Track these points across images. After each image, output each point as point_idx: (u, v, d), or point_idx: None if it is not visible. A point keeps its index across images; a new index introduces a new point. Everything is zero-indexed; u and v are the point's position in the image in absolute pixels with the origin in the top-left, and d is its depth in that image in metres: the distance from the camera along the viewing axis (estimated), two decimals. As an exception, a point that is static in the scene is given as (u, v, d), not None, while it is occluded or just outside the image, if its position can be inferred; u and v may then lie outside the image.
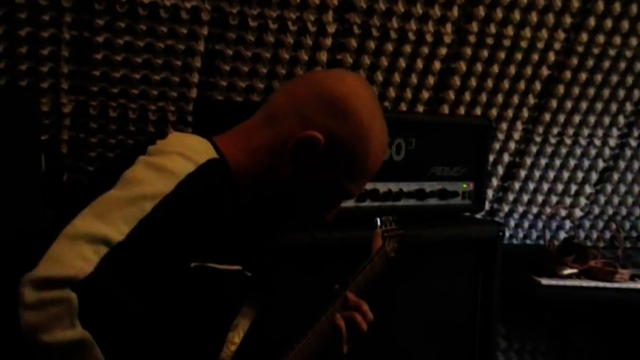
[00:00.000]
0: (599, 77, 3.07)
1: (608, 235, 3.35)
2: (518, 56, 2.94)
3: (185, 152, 1.31)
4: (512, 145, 3.13)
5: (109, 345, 1.10)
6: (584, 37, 2.96)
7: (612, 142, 3.23)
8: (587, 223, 3.34)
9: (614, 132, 3.21)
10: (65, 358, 1.08)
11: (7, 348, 1.10)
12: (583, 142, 3.20)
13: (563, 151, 3.19)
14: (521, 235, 3.30)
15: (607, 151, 3.24)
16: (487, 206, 3.10)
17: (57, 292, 1.08)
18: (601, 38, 2.98)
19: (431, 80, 2.88)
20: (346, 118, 1.41)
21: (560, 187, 3.25)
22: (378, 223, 1.83)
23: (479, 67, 2.92)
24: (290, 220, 1.48)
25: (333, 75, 1.51)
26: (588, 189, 3.28)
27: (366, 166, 1.45)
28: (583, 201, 3.29)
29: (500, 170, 3.17)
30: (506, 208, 3.24)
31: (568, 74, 3.03)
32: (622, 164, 3.27)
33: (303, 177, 1.41)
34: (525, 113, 3.08)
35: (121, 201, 1.19)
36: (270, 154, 1.41)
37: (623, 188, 3.31)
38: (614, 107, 3.15)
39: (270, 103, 1.48)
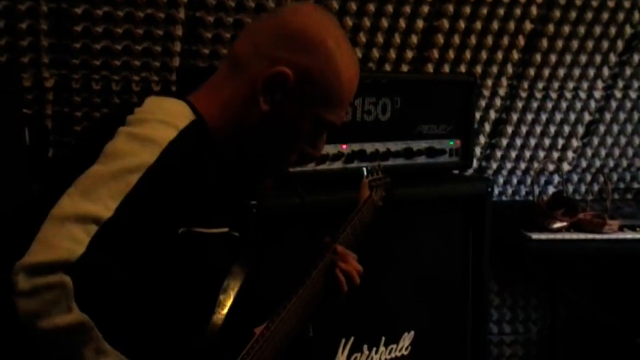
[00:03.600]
0: (582, 29, 3.06)
1: (596, 187, 3.36)
2: (501, 11, 2.93)
3: (165, 118, 1.30)
4: (497, 102, 3.13)
5: (108, 324, 1.11)
6: (566, -11, 2.96)
7: (597, 94, 3.23)
8: (575, 177, 3.35)
9: (599, 84, 3.21)
10: (65, 341, 1.09)
11: (8, 335, 1.10)
12: (568, 95, 3.20)
13: (549, 105, 3.20)
14: (510, 191, 3.31)
15: (593, 104, 3.24)
16: (475, 164, 3.11)
17: (51, 277, 1.08)
18: (583, -11, 2.97)
19: (414, 39, 2.87)
20: (310, 47, 1.39)
21: (547, 142, 3.25)
22: (365, 172, 1.83)
23: (461, 24, 2.91)
24: (275, 165, 1.48)
25: (289, 9, 1.49)
26: (575, 142, 3.28)
27: (340, 92, 1.44)
28: (570, 155, 3.30)
29: (487, 127, 3.17)
30: (494, 165, 3.25)
31: (551, 27, 3.03)
32: (608, 116, 3.28)
33: (278, 116, 1.40)
34: (510, 69, 3.08)
35: (106, 176, 1.18)
36: (243, 102, 1.40)
37: (609, 140, 3.31)
38: (598, 59, 3.15)
39: (233, 52, 1.47)
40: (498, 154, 3.23)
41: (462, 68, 3.01)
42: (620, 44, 3.14)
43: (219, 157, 1.39)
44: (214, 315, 1.28)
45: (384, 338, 2.39)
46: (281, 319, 1.38)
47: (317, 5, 1.50)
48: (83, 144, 1.41)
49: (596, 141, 3.30)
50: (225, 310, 1.29)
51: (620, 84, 3.23)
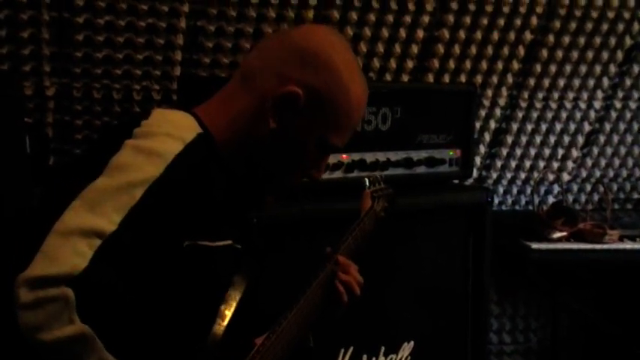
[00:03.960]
0: (582, 40, 3.07)
1: (596, 197, 3.36)
2: (501, 22, 2.94)
3: (171, 131, 1.30)
4: (498, 112, 3.14)
5: (110, 335, 1.10)
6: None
7: (597, 104, 3.23)
8: (575, 187, 3.35)
9: (599, 94, 3.21)
10: (66, 353, 1.09)
11: (9, 347, 1.10)
12: (568, 105, 3.20)
13: (549, 115, 3.20)
14: (510, 201, 3.31)
15: (592, 114, 3.25)
16: (475, 174, 3.11)
17: (53, 290, 1.08)
18: (582, 0, 2.97)
19: (414, 49, 2.88)
20: (323, 70, 1.39)
21: (547, 152, 3.26)
22: (367, 183, 1.83)
23: (462, 34, 2.91)
24: (278, 182, 1.48)
25: (305, 29, 1.49)
26: (575, 152, 3.29)
27: (348, 116, 1.44)
28: (570, 165, 3.30)
29: (487, 137, 3.17)
30: (494, 175, 3.25)
31: (551, 38, 3.03)
32: (608, 126, 3.28)
33: (286, 135, 1.40)
34: (510, 79, 3.08)
35: (111, 190, 1.18)
36: (251, 117, 1.40)
37: (609, 150, 3.32)
38: (598, 69, 3.15)
39: (244, 66, 1.47)
40: (498, 163, 3.23)
41: (463, 78, 3.01)
42: (619, 55, 3.14)
43: (225, 170, 1.39)
44: (215, 326, 1.28)
45: (383, 348, 2.39)
46: (282, 329, 1.38)
47: (332, 28, 1.51)
48: (89, 155, 1.41)
49: (595, 151, 3.31)
50: (226, 321, 1.29)
51: (620, 94, 3.24)
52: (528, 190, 3.27)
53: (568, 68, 3.12)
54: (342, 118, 1.43)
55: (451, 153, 2.54)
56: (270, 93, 1.38)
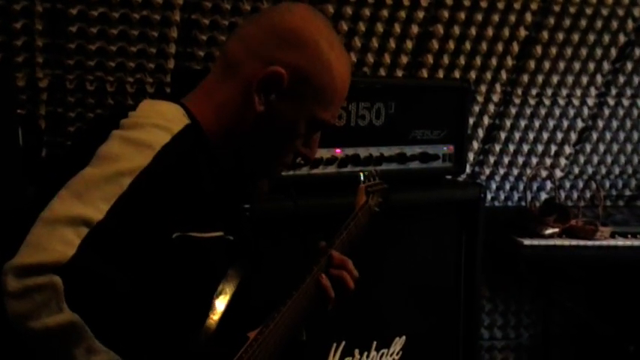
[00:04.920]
0: (576, 37, 3.08)
1: (588, 194, 3.37)
2: (495, 18, 2.94)
3: (159, 122, 1.30)
4: (491, 108, 3.14)
5: (99, 323, 1.10)
6: (561, -4, 2.97)
7: (590, 101, 3.24)
8: (567, 183, 3.36)
9: (592, 91, 3.22)
10: (56, 341, 1.08)
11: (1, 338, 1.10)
12: (562, 102, 3.21)
13: (542, 112, 3.21)
14: (502, 197, 3.31)
15: (585, 111, 3.25)
16: (468, 169, 3.11)
17: (40, 278, 1.07)
18: (577, -3, 2.99)
19: (409, 44, 2.88)
20: (304, 47, 1.39)
21: (540, 148, 3.26)
22: (362, 177, 1.83)
23: (456, 30, 2.91)
24: (271, 166, 1.48)
25: (281, 8, 1.48)
26: (568, 149, 3.30)
27: (334, 90, 1.44)
28: (563, 161, 3.31)
29: (481, 133, 3.17)
30: (487, 171, 3.25)
31: (545, 35, 3.04)
32: (600, 123, 3.29)
33: (274, 117, 1.40)
34: (504, 75, 3.08)
35: (98, 179, 1.18)
36: (237, 103, 1.40)
37: (602, 147, 3.33)
38: (591, 66, 3.16)
39: (225, 53, 1.46)
40: (491, 159, 3.24)
41: (457, 74, 3.02)
42: (613, 52, 3.15)
43: (214, 161, 1.39)
44: (208, 319, 1.28)
45: (375, 343, 2.39)
46: (275, 323, 1.38)
47: (308, 5, 1.49)
48: (77, 147, 1.41)
49: (588, 148, 3.31)
50: (219, 315, 1.29)
51: (613, 91, 3.24)
52: (521, 187, 3.28)
53: (562, 65, 3.12)
54: (328, 93, 1.43)
55: (444, 149, 2.55)
56: (254, 77, 1.38)
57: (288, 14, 1.44)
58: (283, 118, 1.41)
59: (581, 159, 3.33)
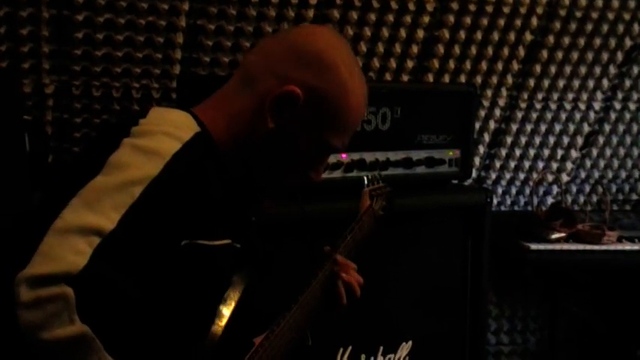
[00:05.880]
0: (582, 41, 3.07)
1: (595, 198, 3.36)
2: (501, 22, 2.94)
3: (169, 130, 1.30)
4: (497, 112, 3.14)
5: (109, 335, 1.10)
6: (566, 0, 2.96)
7: (597, 105, 3.23)
8: (574, 188, 3.35)
9: (599, 95, 3.21)
10: (66, 352, 1.08)
11: (9, 347, 1.10)
12: (568, 106, 3.20)
13: (549, 116, 3.20)
14: (509, 201, 3.31)
15: (592, 115, 3.25)
16: (474, 174, 3.11)
17: (53, 288, 1.07)
18: (583, 1, 2.98)
19: (415, 49, 2.88)
20: (323, 70, 1.39)
21: (546, 153, 3.26)
22: (365, 181, 1.83)
23: (462, 34, 2.91)
24: (276, 183, 1.48)
25: (306, 29, 1.49)
26: (574, 153, 3.29)
27: (348, 117, 1.44)
28: (569, 166, 3.30)
29: (487, 137, 3.17)
30: (493, 176, 3.25)
31: (551, 39, 3.03)
32: (607, 128, 3.28)
33: (284, 135, 1.40)
34: (510, 79, 3.08)
35: (109, 188, 1.18)
36: (250, 117, 1.40)
37: (608, 151, 3.32)
38: (597, 71, 3.16)
39: (244, 66, 1.46)
40: (497, 164, 3.23)
41: (462, 78, 3.01)
42: (619, 56, 3.15)
43: (223, 169, 1.39)
44: (214, 326, 1.28)
45: (382, 348, 2.39)
46: (281, 328, 1.38)
47: (333, 29, 1.50)
48: (86, 154, 1.40)
49: (595, 152, 3.31)
50: (225, 321, 1.29)
51: (620, 95, 3.24)
52: (527, 191, 3.27)
53: (568, 69, 3.12)
54: (341, 119, 1.43)
55: (450, 153, 2.54)
56: (270, 93, 1.38)
57: (312, 35, 1.45)
58: (293, 138, 1.41)
59: (588, 163, 3.32)
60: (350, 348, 2.31)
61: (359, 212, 1.75)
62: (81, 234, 1.12)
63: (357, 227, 1.69)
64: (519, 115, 3.16)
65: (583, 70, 3.14)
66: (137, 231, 1.17)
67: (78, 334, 1.07)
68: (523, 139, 3.21)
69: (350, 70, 1.42)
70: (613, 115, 3.27)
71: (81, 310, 1.07)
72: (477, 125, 3.09)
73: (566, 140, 3.26)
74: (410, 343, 2.45)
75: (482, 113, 3.12)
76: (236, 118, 1.41)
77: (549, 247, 2.85)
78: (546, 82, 3.12)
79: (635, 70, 3.19)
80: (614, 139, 3.31)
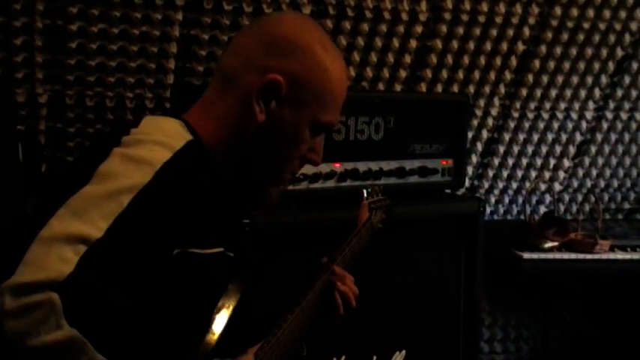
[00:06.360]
0: (574, 51, 3.09)
1: (587, 207, 3.38)
2: (494, 32, 2.95)
3: (161, 139, 1.29)
4: (490, 122, 3.15)
5: (99, 338, 1.09)
6: (558, 10, 2.98)
7: (589, 115, 3.25)
8: (566, 197, 3.36)
9: (591, 105, 3.23)
10: (56, 358, 1.08)
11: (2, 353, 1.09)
12: (560, 116, 3.22)
13: (541, 125, 3.21)
14: (501, 210, 3.31)
15: (584, 125, 3.26)
16: (467, 183, 3.12)
17: (37, 295, 1.06)
18: (575, 11, 3.00)
19: (407, 59, 2.89)
20: (298, 53, 1.40)
21: (539, 162, 3.27)
22: (365, 194, 1.83)
23: (455, 44, 2.92)
24: (278, 173, 1.47)
25: (272, 18, 1.49)
26: (567, 163, 3.30)
27: (333, 92, 1.44)
28: (562, 175, 3.31)
29: (480, 147, 3.18)
30: (486, 185, 3.26)
31: (543, 49, 3.05)
32: (599, 137, 3.29)
33: (276, 125, 1.40)
34: (502, 89, 3.09)
35: (98, 197, 1.17)
36: (238, 116, 1.40)
37: (600, 161, 3.33)
38: (589, 80, 3.17)
39: (221, 69, 1.46)
40: (490, 173, 3.24)
41: (455, 88, 3.02)
42: (611, 65, 3.16)
43: (215, 176, 1.38)
44: (208, 335, 1.27)
45: (375, 357, 2.38)
46: (276, 338, 1.38)
47: (297, 12, 1.50)
48: (77, 164, 1.40)
49: (587, 161, 3.32)
50: (219, 330, 1.28)
51: (612, 105, 3.25)
52: (520, 200, 3.28)
53: (560, 79, 3.13)
54: (327, 95, 1.43)
55: (443, 163, 2.55)
56: (253, 87, 1.38)
57: (279, 22, 1.45)
58: (286, 125, 1.41)
59: (580, 172, 3.33)
60: (344, 357, 2.31)
61: (357, 225, 1.75)
62: (67, 242, 1.11)
63: (356, 240, 1.69)
64: (512, 124, 3.18)
65: (575, 79, 3.15)
66: (125, 240, 1.16)
67: (66, 339, 1.07)
68: (516, 149, 3.22)
69: (323, 46, 1.43)
70: (605, 125, 3.28)
71: (68, 314, 1.07)
72: (470, 135, 3.10)
73: (558, 149, 3.27)
74: (403, 352, 2.45)
75: (475, 123, 3.13)
76: (225, 120, 1.41)
77: (542, 255, 2.86)
78: (539, 92, 3.14)
79: (627, 79, 3.21)
80: (607, 148, 3.32)
